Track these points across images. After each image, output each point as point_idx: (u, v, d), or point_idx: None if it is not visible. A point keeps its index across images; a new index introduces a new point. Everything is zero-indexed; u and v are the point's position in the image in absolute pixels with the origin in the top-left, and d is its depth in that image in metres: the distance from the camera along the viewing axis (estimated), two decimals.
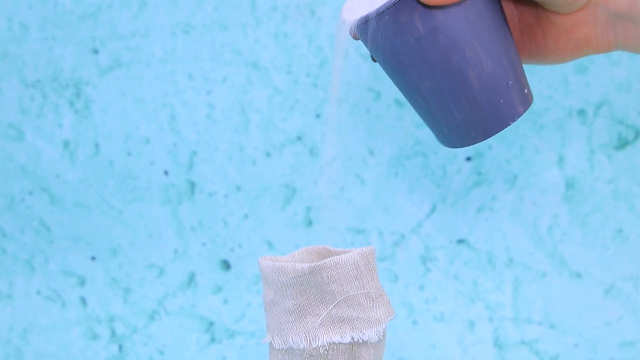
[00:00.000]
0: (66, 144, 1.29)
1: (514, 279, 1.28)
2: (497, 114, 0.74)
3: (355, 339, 0.78)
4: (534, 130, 1.27)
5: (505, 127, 0.75)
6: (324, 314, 0.78)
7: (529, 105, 0.76)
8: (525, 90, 0.76)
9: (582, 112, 1.27)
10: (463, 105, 0.74)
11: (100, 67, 1.28)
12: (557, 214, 1.28)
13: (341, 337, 0.78)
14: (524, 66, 0.79)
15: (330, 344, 0.78)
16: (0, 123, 1.29)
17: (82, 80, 1.28)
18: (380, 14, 0.72)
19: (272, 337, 0.81)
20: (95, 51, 1.27)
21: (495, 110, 0.74)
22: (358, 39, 0.76)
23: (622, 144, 1.27)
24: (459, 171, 1.28)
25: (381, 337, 0.80)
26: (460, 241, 1.29)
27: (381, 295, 0.80)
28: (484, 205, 1.29)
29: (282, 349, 0.81)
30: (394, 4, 0.71)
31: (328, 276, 0.77)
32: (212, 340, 1.28)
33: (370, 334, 0.78)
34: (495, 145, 1.28)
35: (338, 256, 0.78)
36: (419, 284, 1.29)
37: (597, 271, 1.28)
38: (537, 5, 0.78)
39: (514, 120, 0.75)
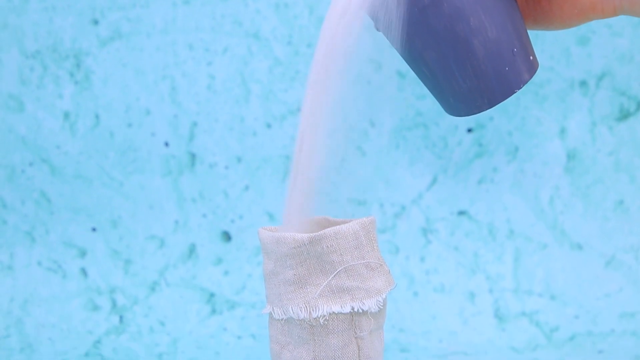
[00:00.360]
0: (66, 115, 1.29)
1: (514, 251, 1.28)
2: (503, 81, 0.74)
3: (356, 309, 0.78)
4: (535, 101, 1.27)
5: (512, 94, 0.75)
6: (324, 284, 0.78)
7: (535, 72, 0.76)
8: (531, 57, 0.76)
9: (583, 84, 1.27)
10: (468, 74, 0.74)
11: (100, 38, 1.27)
12: (558, 185, 1.28)
13: (341, 307, 0.78)
14: (529, 32, 0.79)
15: (330, 314, 0.78)
16: (0, 94, 1.29)
17: (82, 51, 1.28)
18: None
19: (272, 308, 0.81)
20: (95, 22, 1.27)
21: (501, 78, 0.74)
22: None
23: (624, 115, 1.27)
24: (460, 143, 1.28)
25: (381, 307, 0.80)
26: (461, 213, 1.29)
27: (381, 265, 0.80)
28: (485, 176, 1.29)
29: (282, 319, 0.81)
30: None
31: (328, 246, 0.77)
32: (213, 311, 1.28)
33: (370, 304, 0.78)
34: (496, 117, 1.28)
35: (338, 226, 0.78)
36: (419, 256, 1.29)
37: (597, 243, 1.28)
38: None
39: (519, 88, 0.75)
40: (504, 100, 0.75)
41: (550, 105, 1.27)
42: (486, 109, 0.75)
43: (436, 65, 0.74)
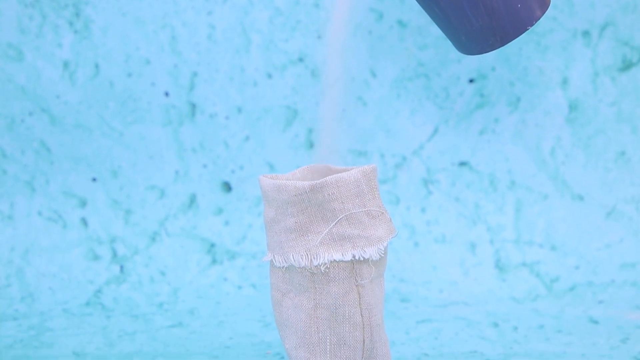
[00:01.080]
0: (66, 65, 1.28)
1: (515, 201, 1.28)
2: (515, 18, 0.74)
3: (357, 257, 0.78)
4: (537, 51, 1.26)
5: (524, 31, 0.75)
6: (325, 231, 0.78)
7: (547, 8, 0.76)
8: None
9: (586, 34, 1.26)
10: (480, 12, 0.73)
11: None
12: (560, 136, 1.28)
13: (342, 254, 0.78)
14: None
15: (331, 261, 0.78)
16: None
17: (82, 0, 1.27)
18: None
19: (273, 255, 0.81)
20: None
21: (513, 15, 0.74)
22: None
23: (627, 65, 1.26)
24: (462, 93, 1.28)
25: (382, 255, 0.80)
26: (462, 163, 1.29)
27: (382, 213, 0.80)
28: (487, 127, 1.28)
29: (283, 267, 0.81)
30: None
31: (329, 194, 0.77)
32: (214, 261, 1.28)
33: (371, 252, 0.78)
34: (498, 67, 1.27)
35: (339, 174, 0.78)
36: (420, 206, 1.29)
37: (599, 193, 1.28)
38: None
39: (532, 24, 0.75)
40: (516, 37, 0.75)
41: (553, 55, 1.26)
42: (498, 47, 0.76)
43: (448, 4, 0.74)
